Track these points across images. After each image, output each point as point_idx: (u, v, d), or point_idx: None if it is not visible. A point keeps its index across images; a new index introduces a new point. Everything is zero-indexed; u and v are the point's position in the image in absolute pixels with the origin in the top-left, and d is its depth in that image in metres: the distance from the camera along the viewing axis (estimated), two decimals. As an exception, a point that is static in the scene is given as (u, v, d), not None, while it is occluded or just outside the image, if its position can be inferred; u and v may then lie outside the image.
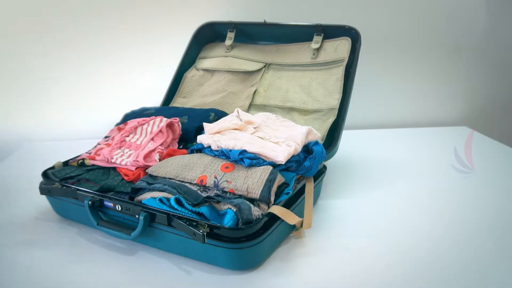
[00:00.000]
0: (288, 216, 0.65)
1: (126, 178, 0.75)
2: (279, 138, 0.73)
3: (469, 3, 1.27)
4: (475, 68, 1.37)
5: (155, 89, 1.15)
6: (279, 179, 0.67)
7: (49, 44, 1.19)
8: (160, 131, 0.84)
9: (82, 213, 0.69)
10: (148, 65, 1.26)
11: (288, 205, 0.68)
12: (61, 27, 1.19)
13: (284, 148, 0.69)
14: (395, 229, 0.75)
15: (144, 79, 1.27)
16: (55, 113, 1.26)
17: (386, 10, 1.25)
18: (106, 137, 0.88)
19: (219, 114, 0.92)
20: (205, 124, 0.79)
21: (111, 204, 0.67)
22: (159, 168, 0.71)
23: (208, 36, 1.16)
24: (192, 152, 0.77)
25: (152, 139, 0.83)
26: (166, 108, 1.01)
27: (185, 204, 0.62)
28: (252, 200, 0.64)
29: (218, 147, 0.71)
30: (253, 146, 0.70)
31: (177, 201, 0.63)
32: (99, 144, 0.86)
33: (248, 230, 0.59)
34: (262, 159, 0.69)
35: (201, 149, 0.75)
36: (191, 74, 1.13)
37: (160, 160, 0.78)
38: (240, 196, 0.64)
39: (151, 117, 0.86)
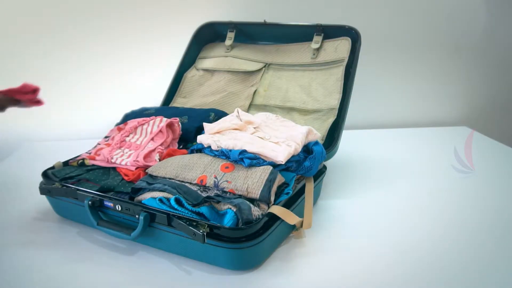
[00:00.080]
0: (288, 216, 0.65)
1: (126, 178, 0.75)
2: (279, 138, 0.73)
3: (469, 3, 1.27)
4: (475, 68, 1.37)
5: (155, 89, 1.15)
6: (279, 179, 0.67)
7: (49, 44, 1.19)
8: (160, 131, 0.84)
9: (82, 213, 0.69)
10: (148, 65, 1.26)
11: (288, 205, 0.68)
12: (61, 27, 1.19)
13: (284, 148, 0.69)
14: (395, 229, 0.75)
15: (144, 79, 1.27)
16: (55, 113, 1.26)
17: (386, 10, 1.25)
18: (106, 137, 0.88)
19: (219, 114, 0.92)
20: (205, 124, 0.79)
21: (111, 204, 0.67)
22: (159, 168, 0.71)
23: (208, 36, 1.16)
24: (192, 152, 0.77)
25: (152, 139, 0.83)
26: (166, 108, 1.01)
27: (185, 204, 0.62)
28: (252, 200, 0.64)
29: (218, 147, 0.71)
30: (253, 146, 0.70)
31: (177, 201, 0.63)
32: (99, 144, 0.86)
33: (248, 230, 0.59)
34: (262, 159, 0.69)
35: (201, 149, 0.75)
36: (191, 74, 1.13)
37: (160, 160, 0.78)
38: (240, 196, 0.64)
39: (151, 117, 0.86)
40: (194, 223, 0.59)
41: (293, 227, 0.69)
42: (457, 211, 0.82)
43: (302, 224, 0.69)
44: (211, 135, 0.75)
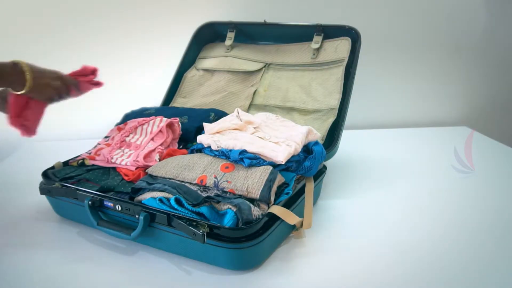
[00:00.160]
0: (288, 216, 0.65)
1: (126, 178, 0.75)
2: (279, 138, 0.73)
3: (469, 3, 1.27)
4: (475, 68, 1.37)
5: (155, 89, 1.15)
6: (279, 179, 0.67)
7: (49, 44, 1.19)
8: (160, 131, 0.84)
9: (82, 213, 0.69)
10: (148, 65, 1.26)
11: (288, 205, 0.68)
12: (61, 27, 1.19)
13: (284, 148, 0.69)
14: (395, 229, 0.75)
15: (144, 79, 1.27)
16: (55, 113, 1.25)
17: (386, 10, 1.25)
18: (106, 137, 0.88)
19: (219, 114, 0.92)
20: (205, 124, 0.79)
21: (111, 204, 0.67)
22: (159, 168, 0.71)
23: (208, 36, 1.16)
24: (192, 152, 0.77)
25: (152, 139, 0.83)
26: (166, 108, 1.01)
27: (185, 204, 0.62)
28: (252, 200, 0.64)
29: (218, 147, 0.71)
30: (253, 146, 0.70)
31: (177, 201, 0.63)
32: (99, 144, 0.86)
33: (248, 230, 0.59)
34: (262, 159, 0.69)
35: (201, 149, 0.75)
36: (191, 74, 1.13)
37: (160, 160, 0.78)
38: (240, 196, 0.64)
39: (151, 117, 0.86)
40: (194, 223, 0.59)
41: (293, 227, 0.69)
42: (457, 211, 0.82)
43: (302, 224, 0.69)
44: (211, 135, 0.75)
